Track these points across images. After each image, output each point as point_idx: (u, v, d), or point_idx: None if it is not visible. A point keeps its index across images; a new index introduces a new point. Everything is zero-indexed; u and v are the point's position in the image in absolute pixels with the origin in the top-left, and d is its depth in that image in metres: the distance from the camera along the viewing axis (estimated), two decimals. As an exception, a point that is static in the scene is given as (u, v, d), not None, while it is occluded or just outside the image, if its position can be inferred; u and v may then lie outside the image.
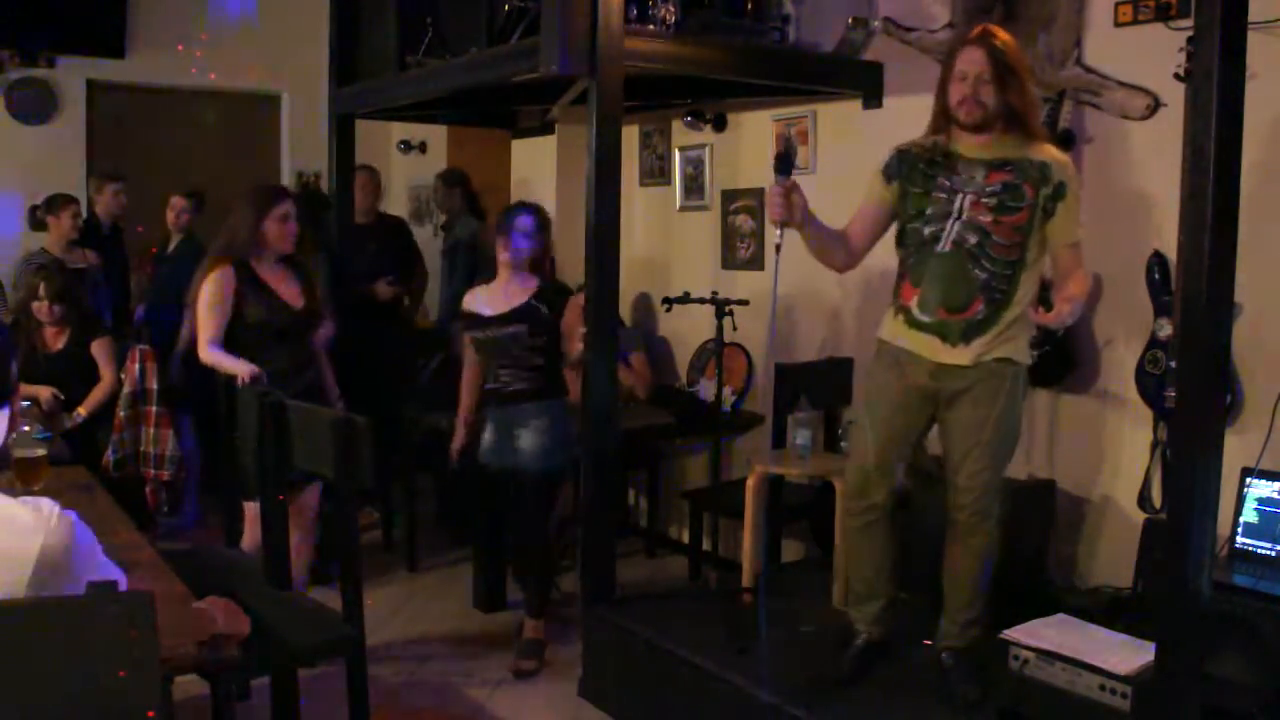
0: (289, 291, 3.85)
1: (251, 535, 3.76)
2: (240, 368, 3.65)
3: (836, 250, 3.10)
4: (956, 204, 2.91)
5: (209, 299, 3.74)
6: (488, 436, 4.08)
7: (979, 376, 2.93)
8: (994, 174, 2.90)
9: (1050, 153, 2.95)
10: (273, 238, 3.81)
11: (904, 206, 3.02)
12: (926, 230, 2.96)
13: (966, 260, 2.91)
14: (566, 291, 4.15)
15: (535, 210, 4.11)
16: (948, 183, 2.94)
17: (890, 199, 3.05)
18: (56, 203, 5.51)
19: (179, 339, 5.15)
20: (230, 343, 3.73)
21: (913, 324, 3.00)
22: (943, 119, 2.98)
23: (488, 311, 4.02)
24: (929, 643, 3.15)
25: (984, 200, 2.89)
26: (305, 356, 3.89)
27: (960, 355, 2.94)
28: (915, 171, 3.00)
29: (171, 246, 5.70)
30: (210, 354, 3.74)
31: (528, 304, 3.99)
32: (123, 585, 1.70)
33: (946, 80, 2.94)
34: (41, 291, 4.76)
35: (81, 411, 4.76)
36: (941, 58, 3.02)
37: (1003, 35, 2.92)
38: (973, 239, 2.90)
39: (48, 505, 1.65)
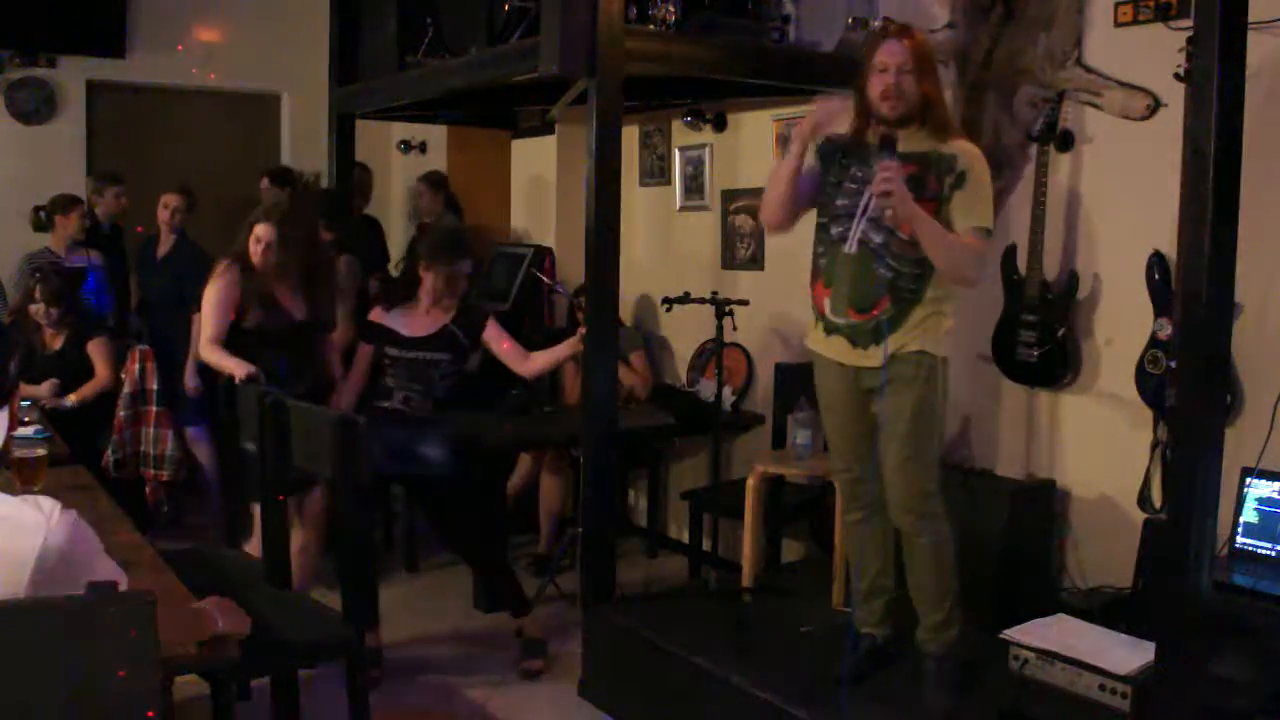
0: (292, 300, 3.88)
1: (257, 535, 3.79)
2: (236, 366, 3.67)
3: (790, 204, 3.08)
4: (864, 199, 2.92)
5: (213, 299, 3.80)
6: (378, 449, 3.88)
7: (893, 372, 2.94)
8: (902, 167, 2.88)
9: (961, 145, 2.97)
10: (251, 253, 3.84)
11: (823, 194, 3.05)
12: (834, 230, 3.00)
13: (871, 260, 2.93)
14: (481, 312, 4.13)
15: (445, 262, 4.03)
16: (860, 174, 2.97)
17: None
18: (65, 203, 5.50)
19: (190, 345, 5.14)
20: (229, 345, 3.77)
21: (829, 329, 3.05)
22: (862, 116, 3.01)
23: (406, 332, 3.98)
24: None
25: None
26: (303, 362, 3.90)
27: (873, 357, 2.95)
28: (834, 161, 3.04)
29: (167, 248, 5.65)
30: (209, 352, 3.78)
31: (447, 329, 3.97)
32: (123, 585, 1.70)
33: (866, 75, 2.97)
34: (37, 294, 4.77)
35: (72, 398, 4.73)
36: (861, 56, 3.05)
37: (918, 33, 3.00)
38: (877, 238, 2.92)
39: (49, 504, 1.65)
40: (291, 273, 3.86)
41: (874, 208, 2.88)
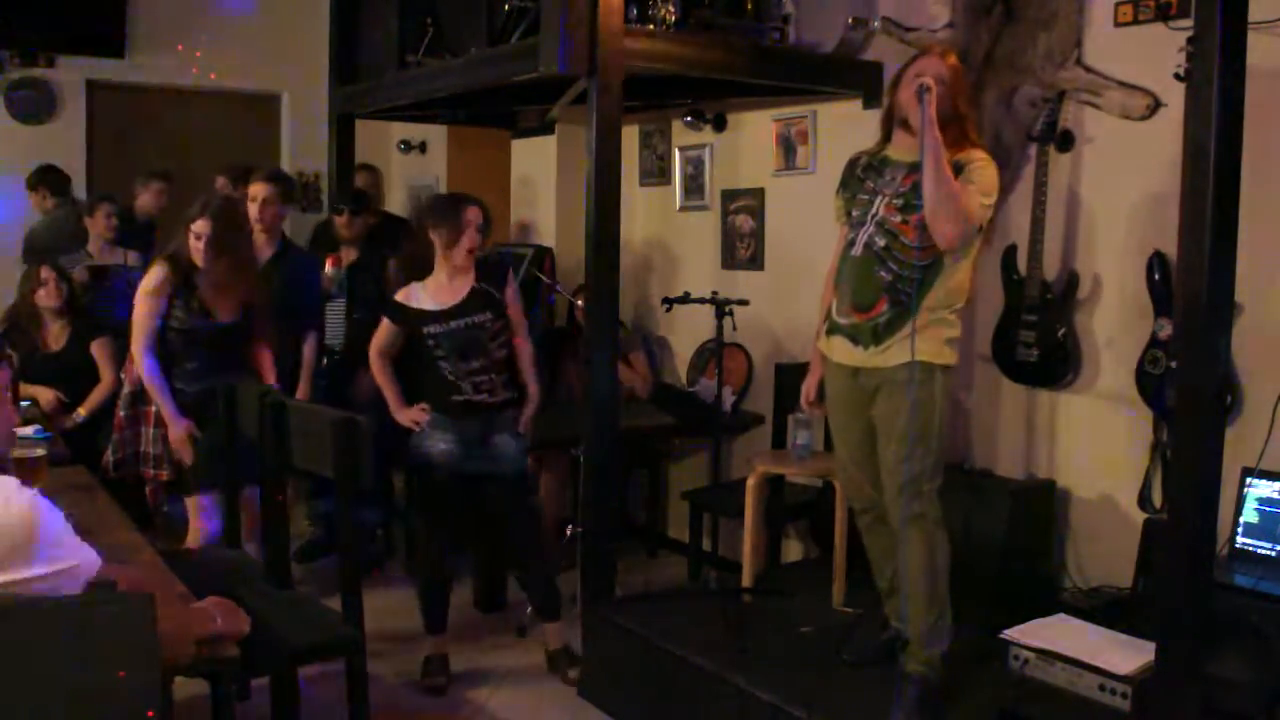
0: (222, 302, 3.85)
1: (194, 529, 3.85)
2: (172, 422, 3.84)
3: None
4: (874, 207, 3.01)
5: (143, 301, 3.82)
6: (450, 445, 3.74)
7: (892, 374, 2.97)
8: (910, 176, 2.95)
9: (969, 152, 2.96)
10: (192, 250, 3.77)
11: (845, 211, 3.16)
12: (849, 236, 3.09)
13: (874, 262, 2.99)
14: (500, 263, 3.95)
15: (480, 202, 3.84)
16: (873, 185, 3.06)
17: None
18: (91, 204, 5.44)
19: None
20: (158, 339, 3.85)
21: (833, 329, 3.12)
22: (888, 123, 3.08)
23: (437, 306, 3.74)
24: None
25: (894, 201, 2.98)
26: (226, 362, 3.87)
27: (872, 358, 3.00)
28: (853, 177, 3.14)
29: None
30: (145, 364, 3.80)
31: (476, 288, 3.76)
32: (98, 564, 1.69)
33: (899, 85, 3.01)
34: (43, 274, 4.74)
35: (82, 412, 4.75)
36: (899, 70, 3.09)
37: (956, 58, 3.05)
38: (881, 242, 2.98)
39: (11, 483, 1.64)
40: (224, 272, 3.81)
41: (882, 210, 2.97)
